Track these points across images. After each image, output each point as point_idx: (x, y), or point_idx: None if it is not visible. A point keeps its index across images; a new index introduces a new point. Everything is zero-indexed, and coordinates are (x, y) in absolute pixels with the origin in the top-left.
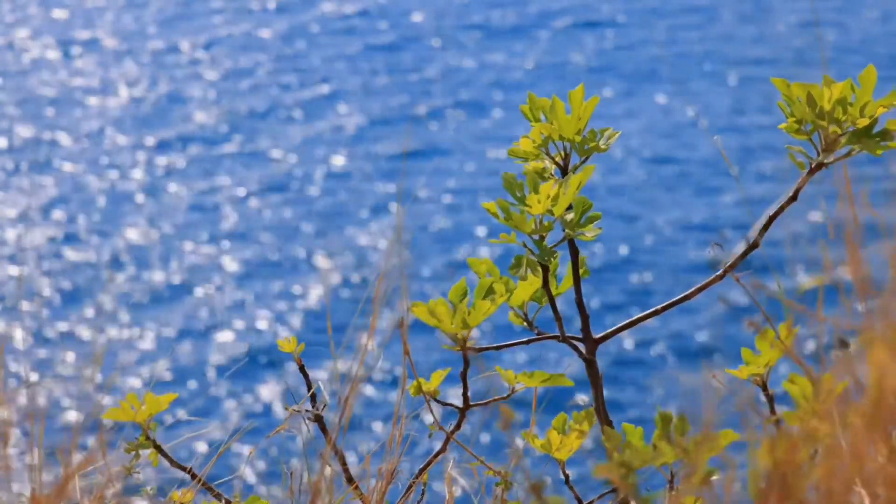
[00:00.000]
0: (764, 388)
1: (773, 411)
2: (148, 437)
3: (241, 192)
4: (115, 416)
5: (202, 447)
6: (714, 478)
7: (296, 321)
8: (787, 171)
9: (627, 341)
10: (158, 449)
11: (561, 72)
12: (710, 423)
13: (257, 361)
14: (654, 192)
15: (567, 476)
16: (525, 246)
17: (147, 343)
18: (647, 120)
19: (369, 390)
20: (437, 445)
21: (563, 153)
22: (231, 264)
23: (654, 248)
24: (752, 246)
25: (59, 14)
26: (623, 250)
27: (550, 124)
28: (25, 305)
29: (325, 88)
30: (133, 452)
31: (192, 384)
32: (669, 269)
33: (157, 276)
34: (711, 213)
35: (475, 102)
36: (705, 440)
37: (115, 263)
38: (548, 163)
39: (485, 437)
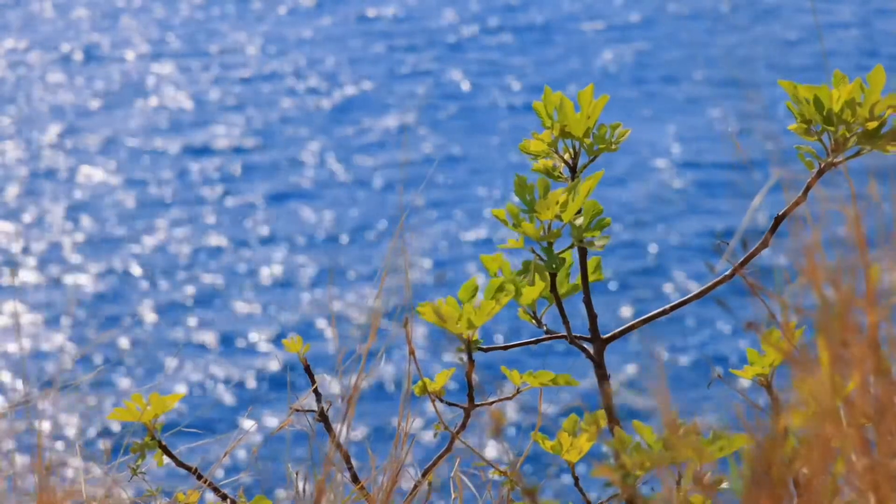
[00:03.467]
0: (769, 388)
1: (776, 412)
2: (153, 438)
3: (265, 197)
4: (120, 416)
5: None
6: (723, 483)
7: (319, 326)
8: (800, 174)
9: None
10: (164, 449)
11: (584, 76)
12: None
13: (273, 367)
14: (676, 198)
15: (577, 479)
16: (533, 252)
17: (167, 348)
18: (670, 125)
19: (397, 396)
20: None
21: (572, 152)
22: (255, 270)
23: (671, 255)
24: (762, 245)
25: (76, 18)
26: (640, 258)
27: (561, 123)
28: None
29: (347, 92)
30: (138, 453)
31: (201, 387)
32: (687, 276)
33: (180, 283)
34: (734, 219)
35: (496, 106)
36: (713, 441)
37: (140, 270)
38: (557, 161)
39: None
